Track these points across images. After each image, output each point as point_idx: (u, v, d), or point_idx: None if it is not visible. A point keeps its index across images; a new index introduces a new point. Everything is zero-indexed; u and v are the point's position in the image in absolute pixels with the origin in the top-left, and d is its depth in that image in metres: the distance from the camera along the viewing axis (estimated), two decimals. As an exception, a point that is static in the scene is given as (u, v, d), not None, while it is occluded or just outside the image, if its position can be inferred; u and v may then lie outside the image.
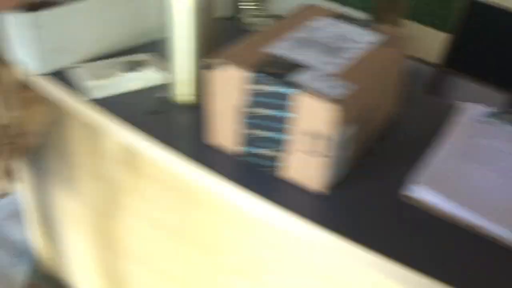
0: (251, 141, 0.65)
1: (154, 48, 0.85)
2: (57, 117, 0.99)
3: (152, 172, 0.93)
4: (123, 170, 1.02)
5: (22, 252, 1.59)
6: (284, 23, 0.72)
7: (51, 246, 1.48)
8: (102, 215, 1.19)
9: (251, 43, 0.67)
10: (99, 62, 0.80)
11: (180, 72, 0.74)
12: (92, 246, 1.29)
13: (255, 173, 0.66)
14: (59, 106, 0.92)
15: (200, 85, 0.73)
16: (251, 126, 0.64)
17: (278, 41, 0.67)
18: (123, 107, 0.75)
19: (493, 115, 0.75)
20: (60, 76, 0.79)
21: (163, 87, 0.78)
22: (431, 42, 1.12)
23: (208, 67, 0.63)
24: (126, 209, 1.09)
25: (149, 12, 0.85)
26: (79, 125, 1.02)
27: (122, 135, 0.74)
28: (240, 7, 0.97)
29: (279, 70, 0.61)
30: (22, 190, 1.37)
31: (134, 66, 0.79)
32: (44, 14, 0.73)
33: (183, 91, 0.75)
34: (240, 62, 0.62)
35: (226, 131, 0.66)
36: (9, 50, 0.81)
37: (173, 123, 0.76)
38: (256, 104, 0.62)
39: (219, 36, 0.74)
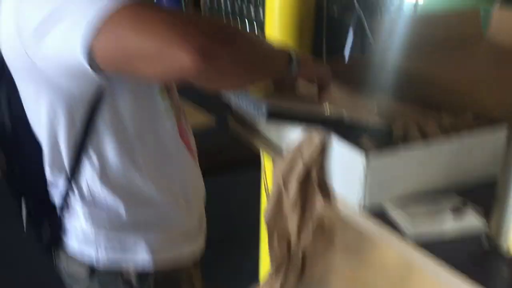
0: None
1: (474, 191, 0.84)
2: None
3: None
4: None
5: None
6: None
7: None
8: None
9: None
10: (416, 202, 0.82)
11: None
12: None
13: None
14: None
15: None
16: None
17: None
18: (437, 250, 0.74)
19: None
20: (375, 211, 0.82)
21: (485, 235, 0.75)
22: None
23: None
24: None
25: (475, 154, 0.86)
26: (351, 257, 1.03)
27: (436, 274, 0.72)
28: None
29: None
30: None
31: (452, 209, 0.79)
32: (376, 155, 0.79)
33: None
34: None
35: None
36: (330, 181, 0.88)
37: (497, 273, 0.72)
38: None
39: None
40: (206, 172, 1.14)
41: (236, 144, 1.31)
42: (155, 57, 0.66)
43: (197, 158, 1.06)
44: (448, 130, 0.96)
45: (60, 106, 0.82)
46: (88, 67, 0.71)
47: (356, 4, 2.14)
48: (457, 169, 0.87)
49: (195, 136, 1.06)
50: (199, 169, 1.07)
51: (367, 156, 0.79)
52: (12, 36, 0.77)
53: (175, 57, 0.65)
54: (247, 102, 0.79)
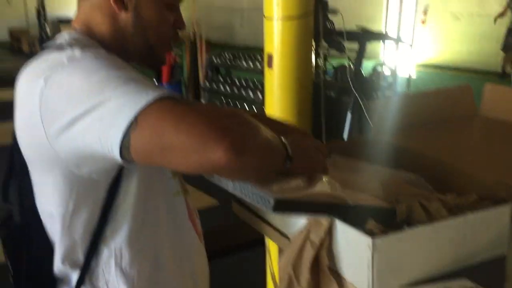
0: None
1: (481, 271, 0.83)
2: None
3: None
4: None
5: None
6: None
7: None
8: None
9: None
10: (426, 286, 0.80)
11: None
12: None
13: None
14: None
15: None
16: None
17: None
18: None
19: None
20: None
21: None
22: None
23: None
24: None
25: (480, 234, 0.85)
26: None
27: None
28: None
29: None
30: None
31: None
32: (383, 239, 0.78)
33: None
34: None
35: None
36: (339, 266, 0.87)
37: None
38: None
39: None
40: (212, 255, 1.14)
41: (240, 226, 1.30)
42: (190, 152, 0.69)
43: (203, 240, 1.07)
44: (453, 210, 0.96)
45: (80, 193, 0.84)
46: (120, 159, 0.73)
47: (352, 86, 2.23)
48: (464, 249, 0.86)
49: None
50: (204, 251, 1.07)
51: (373, 240, 0.79)
52: (32, 124, 0.79)
53: (210, 153, 0.68)
54: (252, 194, 0.80)
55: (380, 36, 2.84)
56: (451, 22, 10.46)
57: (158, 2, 0.92)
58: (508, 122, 1.39)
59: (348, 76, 2.28)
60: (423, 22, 10.93)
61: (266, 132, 0.80)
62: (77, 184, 0.83)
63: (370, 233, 0.81)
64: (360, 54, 2.57)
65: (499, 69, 9.32)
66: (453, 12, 10.37)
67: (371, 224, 0.83)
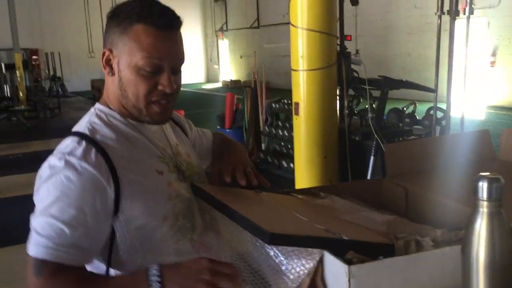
0: None
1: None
2: None
3: None
4: None
5: None
6: None
7: None
8: None
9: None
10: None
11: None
12: None
13: None
14: None
15: None
16: None
17: None
18: None
19: None
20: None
21: None
22: None
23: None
24: None
25: (456, 268, 0.90)
26: None
27: None
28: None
29: None
30: None
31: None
32: (358, 267, 0.88)
33: None
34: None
35: None
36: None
37: None
38: None
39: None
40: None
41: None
42: None
43: None
44: (440, 244, 1.03)
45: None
46: None
47: (374, 131, 2.30)
48: (443, 282, 0.93)
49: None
50: None
51: (349, 268, 0.88)
52: None
53: None
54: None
55: (401, 84, 2.90)
56: (521, 64, 10.14)
57: (134, 68, 1.07)
58: (523, 165, 1.42)
59: (370, 121, 2.36)
60: (493, 64, 10.66)
61: None
62: None
63: (349, 262, 0.91)
64: (382, 100, 2.64)
65: None
66: (523, 53, 10.07)
67: (351, 254, 0.93)
